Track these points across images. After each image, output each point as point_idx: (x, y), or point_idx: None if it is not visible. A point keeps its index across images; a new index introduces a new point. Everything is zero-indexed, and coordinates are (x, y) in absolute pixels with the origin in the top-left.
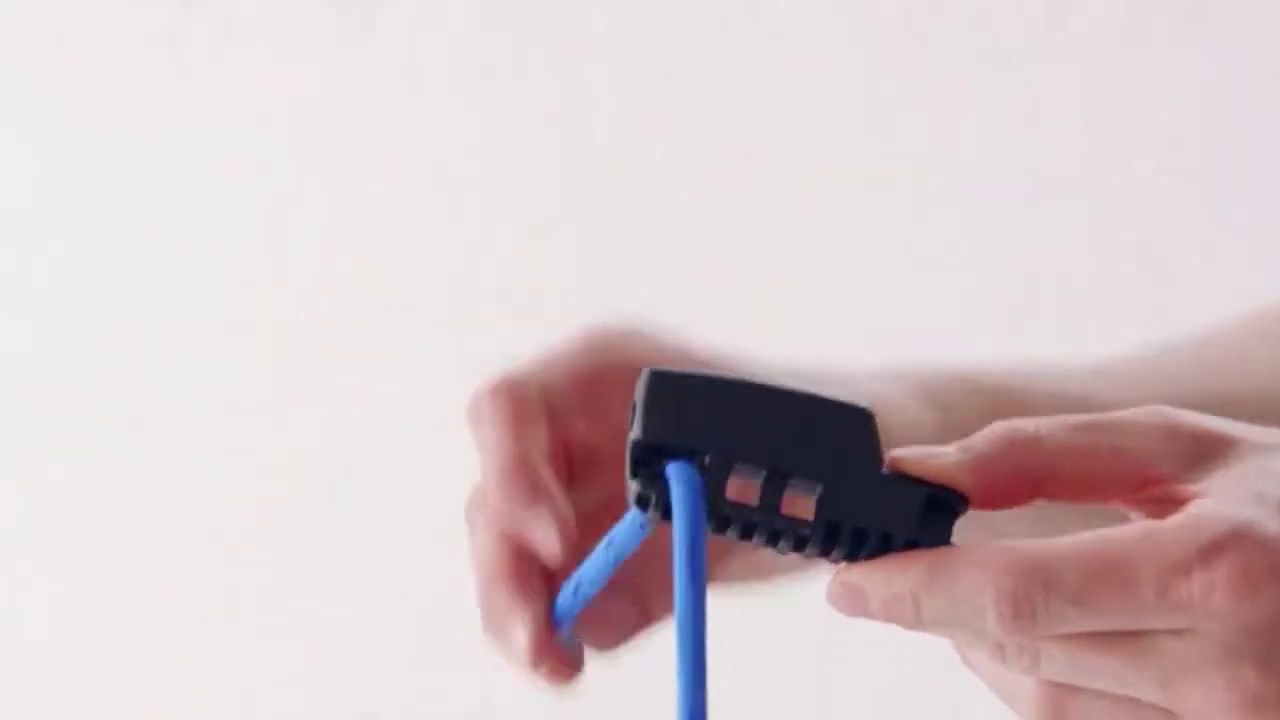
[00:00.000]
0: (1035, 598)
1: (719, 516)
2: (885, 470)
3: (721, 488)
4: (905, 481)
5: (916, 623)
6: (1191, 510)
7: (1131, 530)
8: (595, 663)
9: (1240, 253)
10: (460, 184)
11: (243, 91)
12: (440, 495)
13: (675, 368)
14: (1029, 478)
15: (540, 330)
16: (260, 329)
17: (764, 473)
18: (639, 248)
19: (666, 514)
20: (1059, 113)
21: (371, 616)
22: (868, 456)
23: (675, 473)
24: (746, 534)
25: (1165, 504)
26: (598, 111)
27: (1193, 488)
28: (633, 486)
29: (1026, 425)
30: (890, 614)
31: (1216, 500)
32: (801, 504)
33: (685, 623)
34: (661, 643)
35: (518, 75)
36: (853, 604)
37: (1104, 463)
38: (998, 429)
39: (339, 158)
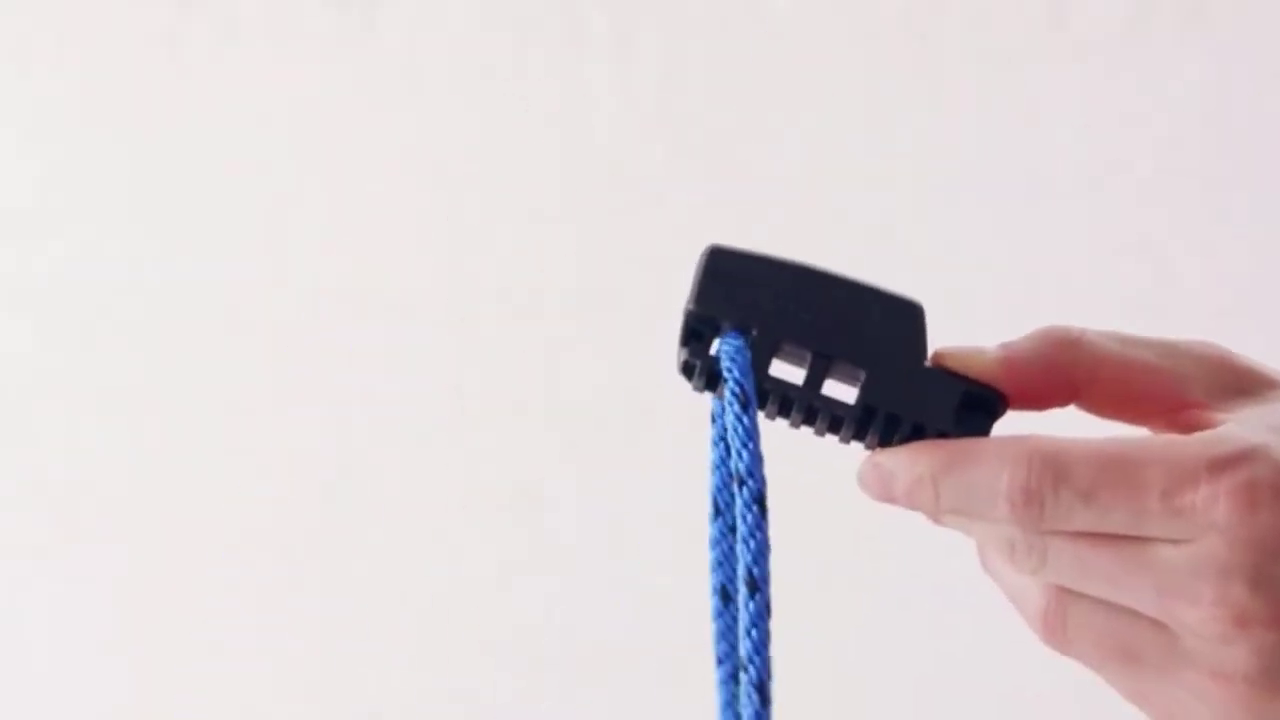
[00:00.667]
0: (1045, 489)
1: (759, 390)
2: (928, 364)
3: (767, 363)
4: (946, 376)
5: (935, 509)
6: (1212, 430)
7: (1151, 438)
8: (593, 661)
9: (1240, 253)
10: (460, 184)
11: (243, 91)
12: (440, 495)
13: (738, 247)
14: (1068, 380)
15: (540, 330)
16: (260, 329)
17: (809, 354)
18: (639, 248)
19: (709, 383)
20: (1059, 113)
21: (371, 616)
22: (913, 349)
23: (725, 343)
24: (784, 410)
25: (1195, 429)
26: (598, 111)
27: (1223, 415)
28: (681, 354)
29: (1073, 329)
30: (912, 497)
31: (1240, 424)
32: (843, 387)
33: (746, 476)
34: (658, 638)
35: (518, 75)
36: (880, 485)
37: (1143, 377)
38: (1044, 330)
39: (339, 158)
